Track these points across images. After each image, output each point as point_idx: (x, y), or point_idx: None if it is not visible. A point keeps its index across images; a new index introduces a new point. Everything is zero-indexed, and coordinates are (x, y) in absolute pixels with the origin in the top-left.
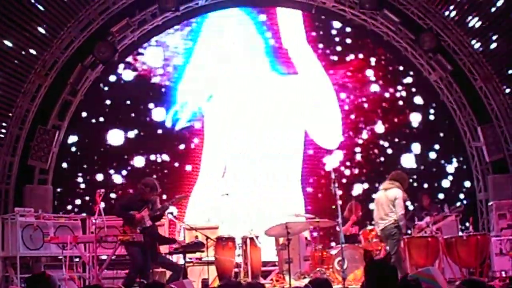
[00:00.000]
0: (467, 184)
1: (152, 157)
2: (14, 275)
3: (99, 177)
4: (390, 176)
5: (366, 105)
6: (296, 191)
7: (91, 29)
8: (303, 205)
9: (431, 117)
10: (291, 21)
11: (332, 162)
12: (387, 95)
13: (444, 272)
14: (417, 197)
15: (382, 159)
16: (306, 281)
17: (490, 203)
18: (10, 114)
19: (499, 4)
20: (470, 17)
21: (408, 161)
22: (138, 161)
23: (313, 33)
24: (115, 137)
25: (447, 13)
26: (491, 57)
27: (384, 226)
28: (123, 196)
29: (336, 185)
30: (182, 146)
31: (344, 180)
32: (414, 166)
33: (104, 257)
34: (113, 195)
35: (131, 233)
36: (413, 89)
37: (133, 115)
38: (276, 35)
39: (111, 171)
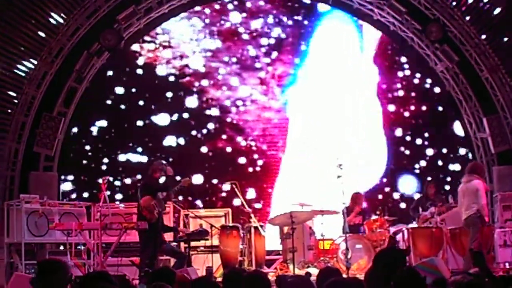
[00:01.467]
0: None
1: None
2: (19, 261)
3: (105, 164)
4: (468, 169)
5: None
6: None
7: (97, 16)
8: None
9: (437, 108)
10: None
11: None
12: (392, 85)
13: (448, 262)
14: (423, 187)
15: (385, 150)
16: (310, 270)
17: (495, 195)
18: (16, 101)
19: None
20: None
21: (412, 151)
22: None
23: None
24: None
25: (454, 3)
26: (498, 48)
27: (467, 216)
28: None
29: (341, 176)
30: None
31: None
32: (418, 156)
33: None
34: (117, 183)
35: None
36: (419, 80)
37: (139, 103)
38: None
39: (117, 158)
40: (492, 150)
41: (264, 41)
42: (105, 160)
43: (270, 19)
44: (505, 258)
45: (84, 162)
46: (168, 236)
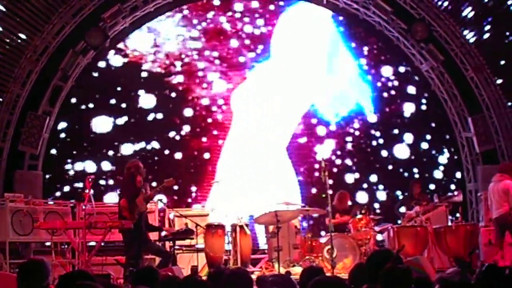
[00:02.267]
0: (457, 174)
1: (142, 144)
2: (4, 261)
3: (89, 163)
4: (500, 168)
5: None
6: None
7: (82, 14)
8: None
9: (422, 107)
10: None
11: (323, 150)
12: (378, 84)
13: (433, 261)
14: (408, 186)
15: (373, 149)
16: (295, 269)
17: (479, 194)
18: (1, 100)
19: None
20: (462, 7)
21: (399, 151)
22: (127, 148)
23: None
24: (104, 123)
25: (439, 3)
26: (483, 48)
27: (498, 215)
28: (120, 183)
29: (327, 174)
30: (172, 134)
31: (335, 170)
32: (405, 156)
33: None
34: (102, 182)
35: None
36: (405, 79)
37: (123, 101)
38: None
39: (101, 158)
40: (477, 149)
41: (249, 38)
42: (89, 159)
43: (256, 17)
44: (489, 257)
45: (69, 160)
46: (153, 236)
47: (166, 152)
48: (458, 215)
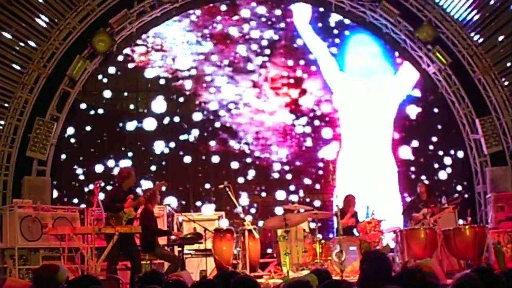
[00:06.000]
0: (466, 176)
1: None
2: (13, 267)
3: (97, 168)
4: None
5: None
6: None
7: (89, 20)
8: None
9: (430, 109)
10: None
11: (329, 153)
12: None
13: (442, 263)
14: (415, 189)
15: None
16: (304, 272)
17: (488, 196)
18: (7, 105)
19: None
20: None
21: (406, 153)
22: (137, 153)
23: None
24: (113, 128)
25: (446, 5)
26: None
27: None
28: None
29: (335, 177)
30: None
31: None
32: (412, 158)
33: None
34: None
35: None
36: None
37: (132, 106)
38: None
39: (109, 163)
40: (485, 151)
41: (256, 43)
42: (97, 165)
43: (263, 22)
44: None
45: (75, 167)
46: (162, 240)
47: (175, 155)
48: (469, 218)
